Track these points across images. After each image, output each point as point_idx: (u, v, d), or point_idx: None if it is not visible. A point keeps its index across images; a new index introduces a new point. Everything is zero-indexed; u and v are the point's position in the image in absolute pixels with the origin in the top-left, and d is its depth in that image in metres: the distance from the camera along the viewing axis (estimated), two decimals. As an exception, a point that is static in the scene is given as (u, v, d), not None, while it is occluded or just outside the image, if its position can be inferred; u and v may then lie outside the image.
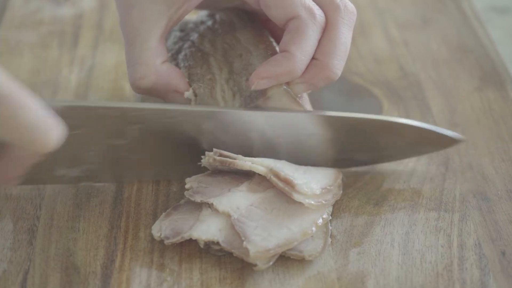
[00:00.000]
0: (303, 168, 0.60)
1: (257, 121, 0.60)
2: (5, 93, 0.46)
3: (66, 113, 0.54)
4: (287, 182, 0.57)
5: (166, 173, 0.63)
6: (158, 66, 0.61)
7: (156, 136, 0.60)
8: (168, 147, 0.61)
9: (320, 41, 0.60)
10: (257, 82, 0.59)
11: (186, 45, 0.65)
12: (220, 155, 0.59)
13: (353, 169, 0.65)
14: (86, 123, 0.57)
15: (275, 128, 0.60)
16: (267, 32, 0.66)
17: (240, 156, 0.59)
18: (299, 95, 0.61)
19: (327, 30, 0.60)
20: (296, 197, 0.57)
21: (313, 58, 0.60)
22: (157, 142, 0.60)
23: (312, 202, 0.57)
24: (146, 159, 0.61)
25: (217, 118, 0.59)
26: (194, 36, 0.66)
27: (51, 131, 0.49)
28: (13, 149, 0.50)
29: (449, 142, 0.64)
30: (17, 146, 0.49)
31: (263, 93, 0.60)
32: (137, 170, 0.62)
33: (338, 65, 0.60)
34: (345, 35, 0.60)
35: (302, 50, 0.59)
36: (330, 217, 0.59)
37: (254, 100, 0.60)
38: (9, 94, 0.46)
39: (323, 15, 0.60)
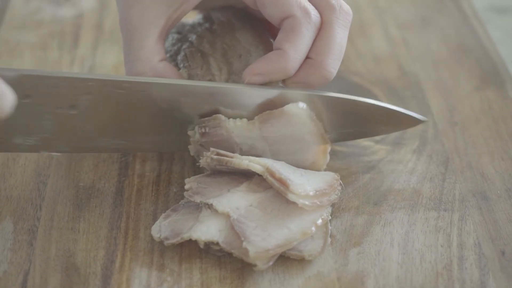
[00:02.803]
0: (300, 171, 0.60)
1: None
2: None
3: (16, 82, 0.54)
4: (282, 182, 0.57)
5: (123, 146, 0.62)
6: (155, 64, 0.61)
7: (108, 107, 0.59)
8: (121, 118, 0.60)
9: (315, 41, 0.60)
10: (249, 78, 0.60)
11: (185, 46, 0.66)
12: (217, 154, 0.59)
13: (353, 168, 0.65)
14: (37, 92, 0.57)
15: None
16: (267, 32, 0.66)
17: (237, 155, 0.59)
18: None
19: (322, 29, 0.60)
20: (290, 196, 0.57)
21: (307, 57, 0.60)
22: (109, 113, 0.60)
23: (306, 203, 0.57)
24: (101, 130, 0.61)
25: (170, 89, 0.59)
26: (193, 37, 0.66)
27: (1, 98, 0.49)
28: None
29: (414, 122, 0.65)
30: None
31: (278, 110, 0.60)
32: (93, 141, 0.61)
33: (333, 64, 0.60)
34: (340, 35, 0.60)
35: (296, 49, 0.59)
36: (330, 217, 0.59)
37: (268, 117, 0.61)
38: None
39: (318, 15, 0.60)
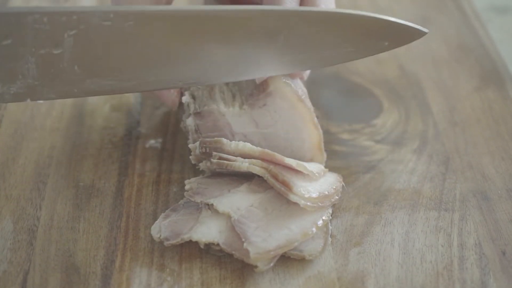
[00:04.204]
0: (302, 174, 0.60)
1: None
2: None
3: None
4: (285, 184, 0.57)
5: (112, 87, 0.58)
6: None
7: (94, 44, 0.55)
8: (109, 55, 0.56)
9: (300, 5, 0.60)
10: None
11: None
12: (220, 158, 0.59)
13: (353, 168, 0.65)
14: (17, 31, 0.53)
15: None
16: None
17: (239, 158, 0.59)
18: (300, 92, 0.61)
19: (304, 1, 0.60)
20: (292, 197, 0.57)
21: None
22: (96, 51, 0.56)
23: (309, 204, 0.57)
24: (87, 70, 0.56)
25: (159, 18, 0.55)
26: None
27: None
28: None
29: (415, 34, 0.61)
30: None
31: (263, 88, 0.60)
32: (80, 83, 0.57)
33: None
34: (324, 2, 0.61)
35: None
36: (330, 217, 0.59)
37: (255, 96, 0.60)
38: None
39: None
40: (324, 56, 0.59)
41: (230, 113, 0.61)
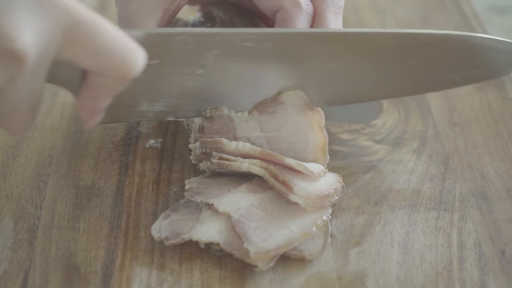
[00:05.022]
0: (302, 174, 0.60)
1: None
2: (80, 19, 0.46)
3: (143, 42, 0.53)
4: (285, 185, 0.57)
5: (248, 101, 0.61)
6: None
7: (234, 63, 0.59)
8: (246, 72, 0.59)
9: None
10: None
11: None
12: (220, 158, 0.59)
13: (353, 168, 0.65)
14: (164, 51, 0.56)
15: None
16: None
17: (239, 158, 0.59)
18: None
19: (315, 19, 0.61)
20: (292, 197, 0.57)
21: None
22: (235, 70, 0.59)
23: (309, 204, 0.57)
24: (227, 88, 0.60)
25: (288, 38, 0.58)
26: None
27: (132, 54, 0.49)
28: (95, 78, 0.50)
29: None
30: (99, 74, 0.49)
31: (275, 98, 0.60)
32: (218, 102, 0.61)
33: None
34: (333, 23, 0.61)
35: None
36: (330, 217, 0.59)
37: (266, 104, 0.61)
38: (84, 20, 0.47)
39: (309, 3, 0.60)
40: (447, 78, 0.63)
41: (238, 119, 0.61)
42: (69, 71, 0.52)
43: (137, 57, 0.49)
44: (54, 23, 0.46)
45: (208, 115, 0.61)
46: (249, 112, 0.61)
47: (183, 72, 0.58)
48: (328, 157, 0.62)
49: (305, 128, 0.61)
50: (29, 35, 0.45)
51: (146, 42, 0.53)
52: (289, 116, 0.61)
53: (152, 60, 0.55)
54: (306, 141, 0.62)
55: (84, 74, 0.51)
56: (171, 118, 0.61)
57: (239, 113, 0.61)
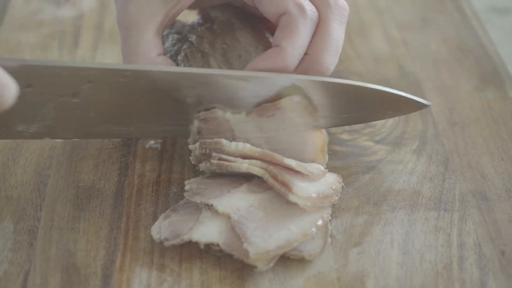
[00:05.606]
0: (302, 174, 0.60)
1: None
2: None
3: (18, 72, 0.54)
4: (285, 185, 0.57)
5: (125, 131, 0.63)
6: (153, 58, 0.61)
7: (109, 95, 0.59)
8: (123, 105, 0.60)
9: (312, 37, 0.60)
10: None
11: (185, 46, 0.66)
12: (219, 159, 0.59)
13: (353, 169, 0.65)
14: (39, 81, 0.57)
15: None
16: (267, 32, 0.66)
17: (239, 159, 0.59)
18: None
19: (319, 26, 0.60)
20: (292, 198, 0.57)
21: (305, 53, 0.60)
22: (111, 101, 0.60)
23: (308, 204, 0.57)
24: (102, 117, 0.61)
25: (170, 76, 0.59)
26: (193, 37, 0.66)
27: (3, 89, 0.49)
28: None
29: (416, 106, 0.65)
30: None
31: (274, 104, 0.60)
32: (95, 127, 0.62)
33: (329, 60, 0.60)
34: (336, 31, 0.61)
35: (293, 45, 0.59)
36: (330, 217, 0.59)
37: (265, 108, 0.61)
38: None
39: (315, 10, 0.60)
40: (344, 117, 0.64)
41: (234, 120, 0.61)
42: None
43: (9, 91, 0.50)
44: None
45: (202, 117, 0.61)
46: (247, 114, 0.61)
47: (58, 100, 0.58)
48: (327, 157, 0.62)
49: (304, 128, 0.61)
50: None
51: (21, 72, 0.55)
52: (289, 118, 0.61)
53: (26, 88, 0.56)
54: (305, 142, 0.62)
55: None
56: (47, 139, 0.62)
57: (236, 115, 0.61)
